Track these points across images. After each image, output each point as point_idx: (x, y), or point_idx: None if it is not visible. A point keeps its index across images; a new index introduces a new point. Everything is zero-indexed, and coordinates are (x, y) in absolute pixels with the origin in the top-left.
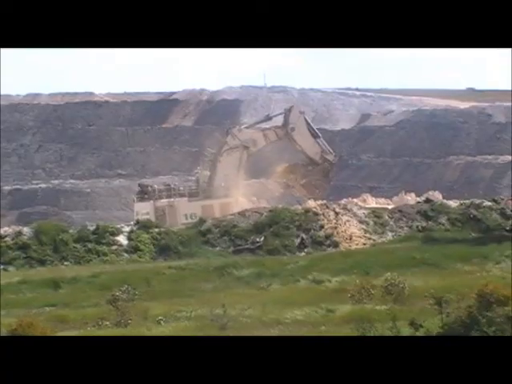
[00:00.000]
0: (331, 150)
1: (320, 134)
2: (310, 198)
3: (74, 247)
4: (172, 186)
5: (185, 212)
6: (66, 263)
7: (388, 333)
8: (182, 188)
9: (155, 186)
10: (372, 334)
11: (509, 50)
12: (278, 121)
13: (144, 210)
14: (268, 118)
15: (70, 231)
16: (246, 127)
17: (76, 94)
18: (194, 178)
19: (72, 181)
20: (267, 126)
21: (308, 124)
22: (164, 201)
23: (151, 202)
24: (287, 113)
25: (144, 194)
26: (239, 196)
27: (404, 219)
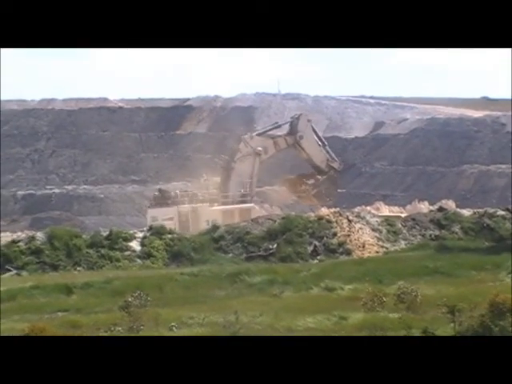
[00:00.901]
0: (336, 158)
1: (326, 142)
2: (322, 206)
3: (87, 252)
4: (190, 192)
5: (206, 218)
6: (78, 268)
7: None
8: (199, 194)
9: (177, 191)
10: None
11: None
12: (287, 128)
13: (167, 215)
14: (277, 126)
15: (83, 236)
16: (258, 134)
17: (90, 99)
18: (202, 185)
19: (85, 186)
20: (278, 134)
21: (315, 132)
22: (187, 206)
23: (175, 207)
24: (295, 121)
25: (166, 199)
26: (253, 203)
27: (417, 227)
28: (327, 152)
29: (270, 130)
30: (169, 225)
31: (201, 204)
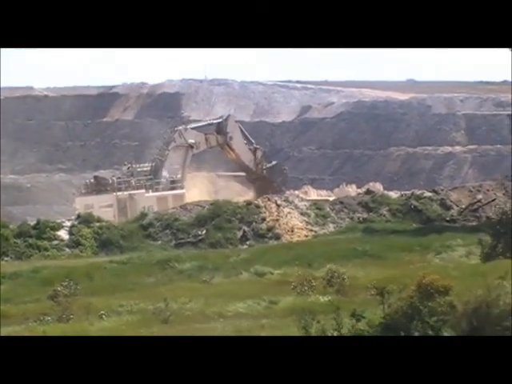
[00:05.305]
0: (257, 145)
1: (253, 141)
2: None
3: (15, 242)
4: (124, 179)
5: (142, 204)
6: (6, 259)
7: (330, 323)
8: (133, 181)
9: (114, 178)
10: (314, 325)
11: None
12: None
13: (105, 202)
14: (210, 123)
15: (11, 226)
16: (192, 128)
17: (15, 88)
18: (124, 172)
19: (12, 176)
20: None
21: (242, 132)
22: (123, 193)
23: (113, 194)
24: (224, 122)
25: (102, 186)
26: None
27: (345, 211)
28: (252, 144)
29: (204, 126)
30: (107, 212)
31: (137, 191)
